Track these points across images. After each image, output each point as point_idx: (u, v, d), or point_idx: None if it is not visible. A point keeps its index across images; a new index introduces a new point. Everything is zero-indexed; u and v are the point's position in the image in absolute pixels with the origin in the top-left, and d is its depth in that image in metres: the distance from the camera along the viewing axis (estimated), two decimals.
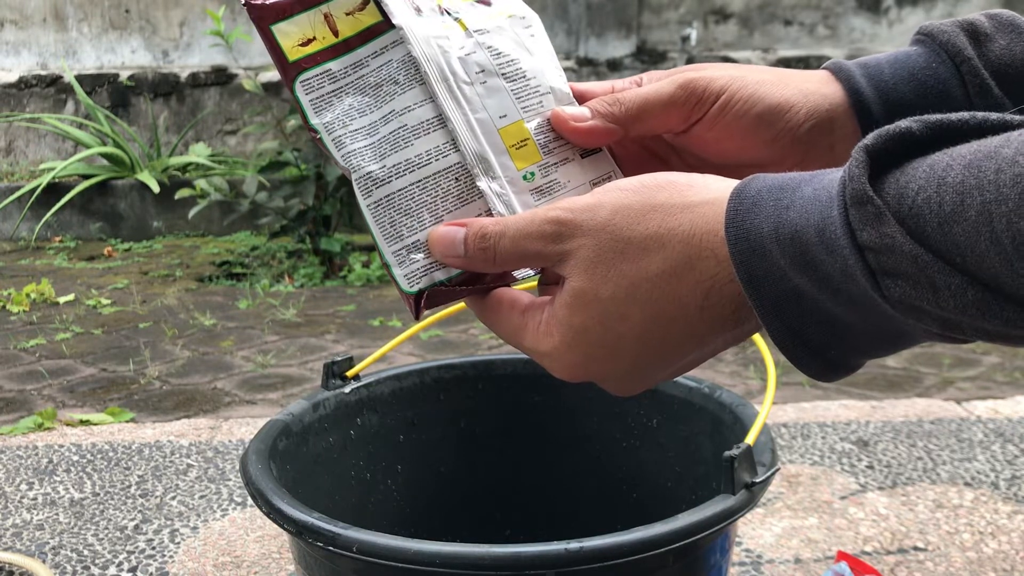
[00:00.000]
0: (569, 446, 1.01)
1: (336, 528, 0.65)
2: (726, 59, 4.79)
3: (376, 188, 0.50)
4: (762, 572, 1.32)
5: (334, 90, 0.50)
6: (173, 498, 1.58)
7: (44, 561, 1.37)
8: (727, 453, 0.68)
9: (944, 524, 1.43)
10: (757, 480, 0.69)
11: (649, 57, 4.81)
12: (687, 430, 0.93)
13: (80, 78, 4.72)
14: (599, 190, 0.45)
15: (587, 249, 0.43)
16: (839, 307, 0.39)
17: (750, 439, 0.71)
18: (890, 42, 4.84)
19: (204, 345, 2.66)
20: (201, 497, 1.58)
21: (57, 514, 1.53)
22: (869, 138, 0.36)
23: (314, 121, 0.51)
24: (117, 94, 4.83)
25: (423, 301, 0.50)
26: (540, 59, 0.54)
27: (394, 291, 3.25)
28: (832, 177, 0.38)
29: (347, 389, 0.92)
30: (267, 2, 0.50)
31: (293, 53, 0.50)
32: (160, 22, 4.92)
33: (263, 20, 0.50)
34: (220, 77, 4.80)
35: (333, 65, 0.50)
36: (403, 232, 0.50)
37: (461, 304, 0.97)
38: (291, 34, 0.50)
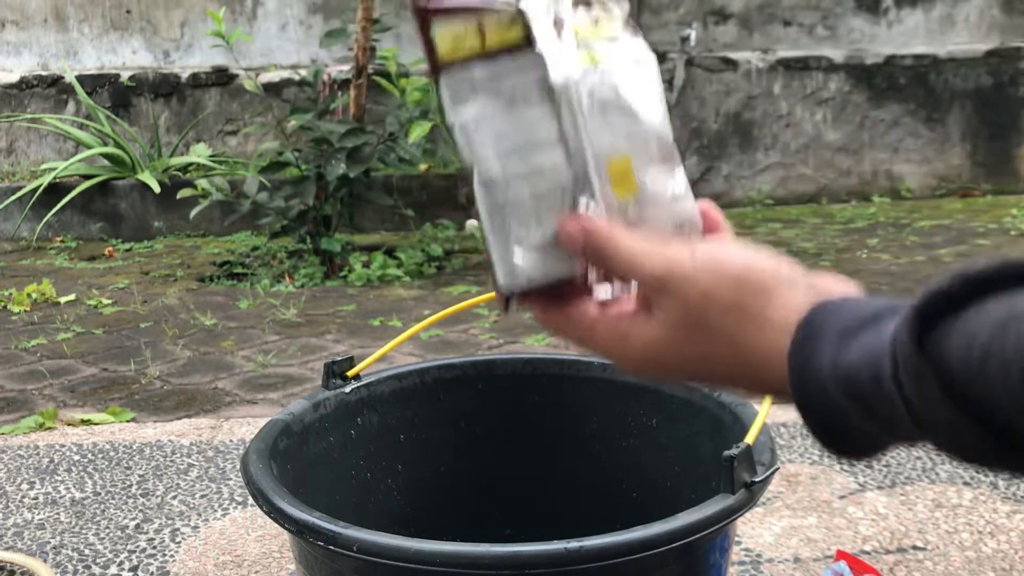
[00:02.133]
0: (569, 446, 1.01)
1: (336, 527, 0.65)
2: (726, 60, 4.79)
3: (496, 190, 0.55)
4: (761, 571, 1.32)
5: (470, 93, 0.55)
6: (174, 497, 1.58)
7: (45, 560, 1.38)
8: (727, 453, 0.69)
9: (943, 523, 1.43)
10: (756, 479, 0.69)
11: None
12: (687, 430, 0.93)
13: (81, 78, 4.72)
14: (701, 258, 0.51)
15: (675, 314, 0.51)
16: (882, 433, 0.46)
17: (749, 439, 0.72)
18: (889, 42, 4.84)
19: (205, 345, 2.66)
20: (202, 496, 1.58)
21: (58, 513, 1.54)
22: (919, 299, 0.42)
23: (452, 119, 0.56)
24: (118, 94, 4.83)
25: (512, 301, 0.56)
26: (652, 104, 0.59)
27: (394, 291, 3.25)
28: (891, 326, 0.44)
29: (347, 389, 0.93)
30: (432, 5, 0.55)
31: (445, 53, 0.55)
32: (161, 22, 4.92)
33: (425, 14, 0.55)
34: (221, 77, 4.80)
35: (476, 71, 0.55)
36: (511, 235, 0.55)
37: (461, 304, 0.97)
38: (446, 36, 0.55)
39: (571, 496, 1.02)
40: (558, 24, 0.57)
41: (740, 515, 0.69)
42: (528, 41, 0.56)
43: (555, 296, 0.56)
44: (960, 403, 0.41)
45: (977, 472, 1.60)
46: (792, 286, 0.51)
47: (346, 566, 0.68)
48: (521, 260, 0.55)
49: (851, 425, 0.46)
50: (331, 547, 0.65)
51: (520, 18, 0.56)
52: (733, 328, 0.50)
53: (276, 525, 0.70)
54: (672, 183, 0.59)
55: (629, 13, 0.62)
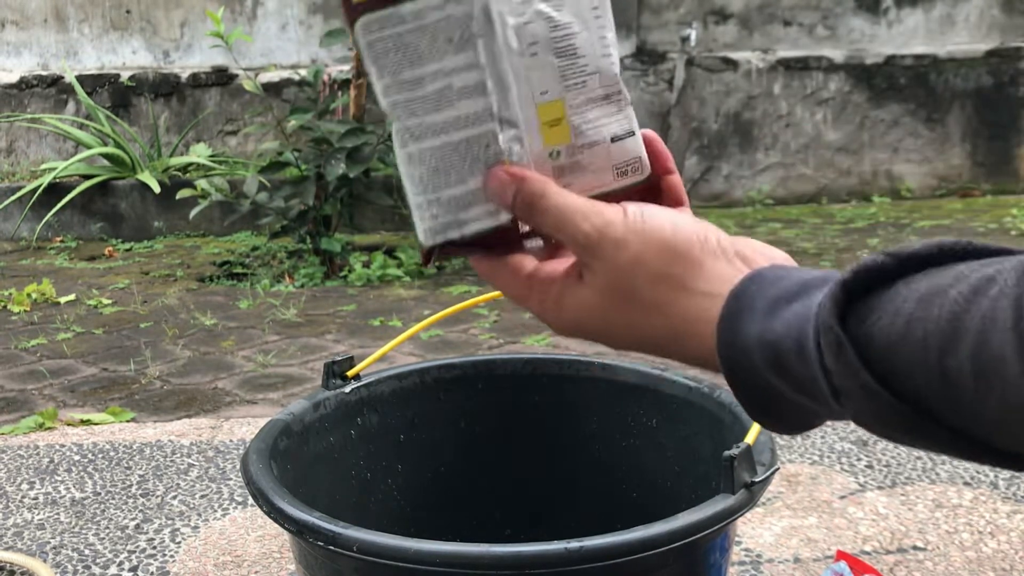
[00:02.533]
0: (569, 446, 1.01)
1: (336, 527, 0.65)
2: (726, 60, 4.79)
3: (412, 142, 0.53)
4: (762, 571, 1.32)
5: (392, 35, 0.51)
6: (174, 497, 1.58)
7: (45, 560, 1.38)
8: (727, 453, 0.69)
9: (943, 523, 1.43)
10: (756, 479, 0.69)
11: (649, 58, 4.82)
12: (687, 430, 0.93)
13: (81, 78, 4.72)
14: (631, 220, 0.50)
15: (605, 277, 0.50)
16: (807, 402, 0.46)
17: (749, 439, 0.72)
18: (890, 42, 4.84)
19: (205, 345, 2.66)
20: (202, 496, 1.58)
21: (58, 514, 1.54)
22: (848, 272, 0.43)
23: (369, 66, 0.53)
24: (118, 94, 4.83)
25: (435, 255, 0.54)
26: (596, 33, 0.55)
27: (394, 291, 3.25)
28: (818, 296, 0.44)
29: (347, 389, 0.93)
30: None
31: None
32: (161, 23, 4.92)
33: None
34: (221, 77, 4.80)
35: (394, 10, 0.51)
36: (429, 186, 0.53)
37: (461, 305, 0.97)
38: None
39: (571, 496, 1.02)
40: None
41: (740, 515, 0.69)
42: None
43: (487, 246, 0.54)
44: (877, 373, 0.41)
45: (978, 472, 1.60)
46: (721, 256, 0.50)
47: (346, 566, 0.68)
48: (441, 214, 0.53)
49: (778, 396, 0.46)
50: (331, 547, 0.65)
51: None
52: (662, 297, 0.50)
53: (276, 525, 0.70)
54: (614, 123, 0.55)
55: None
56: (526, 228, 0.53)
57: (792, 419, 0.48)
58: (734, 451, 0.69)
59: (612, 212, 0.51)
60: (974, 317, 0.38)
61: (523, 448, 1.01)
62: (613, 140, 0.55)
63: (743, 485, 0.69)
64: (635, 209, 0.51)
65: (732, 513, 0.68)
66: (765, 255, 0.50)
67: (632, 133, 0.56)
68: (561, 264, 0.54)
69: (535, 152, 0.53)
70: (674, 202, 0.57)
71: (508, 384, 1.01)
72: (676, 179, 0.58)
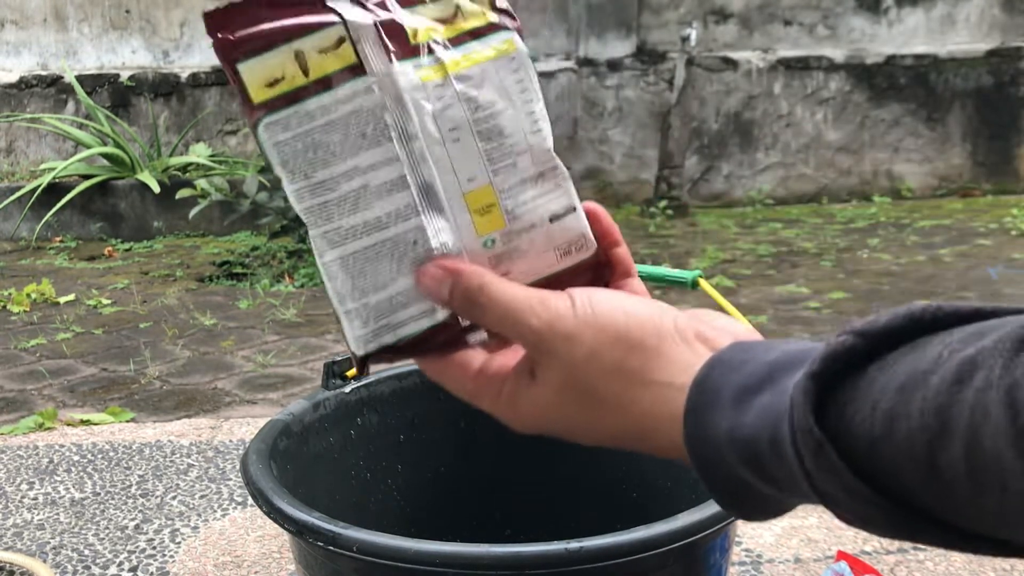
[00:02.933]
0: (569, 446, 1.01)
1: (336, 528, 0.65)
2: (726, 59, 4.79)
3: (331, 249, 0.49)
4: (762, 572, 1.32)
5: (299, 134, 0.48)
6: (174, 498, 1.58)
7: (45, 561, 1.38)
8: None
9: None
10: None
11: (649, 57, 4.81)
12: None
13: (80, 78, 4.72)
14: (580, 313, 0.47)
15: (560, 374, 0.47)
16: (783, 496, 0.44)
17: None
18: (890, 42, 4.84)
19: (204, 345, 2.66)
20: (202, 497, 1.58)
21: (58, 514, 1.53)
22: (816, 361, 0.40)
23: (278, 170, 0.49)
24: (117, 94, 4.83)
25: (369, 363, 0.50)
26: (523, 109, 0.52)
27: None
28: (788, 385, 0.41)
29: (347, 389, 0.93)
30: (233, 37, 0.47)
31: (259, 94, 0.48)
32: (160, 22, 4.92)
33: (229, 57, 0.47)
34: (220, 77, 4.80)
35: (299, 107, 0.48)
36: (356, 292, 0.49)
37: None
38: (258, 73, 0.48)
39: (571, 497, 1.02)
40: (391, 32, 0.49)
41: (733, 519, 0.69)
42: (359, 62, 0.48)
43: (427, 346, 0.50)
44: (861, 473, 0.38)
45: None
46: (680, 342, 0.47)
47: (346, 566, 0.68)
48: (372, 320, 0.49)
49: (754, 491, 0.44)
50: (331, 547, 0.64)
51: (347, 35, 0.48)
52: (621, 393, 0.46)
53: (276, 525, 0.70)
54: (552, 201, 0.52)
55: (491, 6, 0.52)
56: (467, 322, 0.50)
57: (769, 509, 0.46)
58: None
59: (559, 303, 0.47)
60: (962, 411, 0.36)
61: (523, 449, 1.01)
62: (552, 219, 0.52)
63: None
64: (583, 298, 0.47)
65: (727, 516, 0.67)
66: (727, 332, 0.47)
67: (573, 209, 0.52)
68: (510, 357, 0.50)
69: (468, 243, 0.50)
70: (623, 275, 0.54)
71: None
72: (624, 252, 0.54)
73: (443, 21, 0.51)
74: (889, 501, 0.38)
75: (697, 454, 0.44)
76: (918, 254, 3.61)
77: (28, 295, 3.21)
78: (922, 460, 0.37)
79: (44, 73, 4.90)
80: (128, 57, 4.93)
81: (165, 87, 4.83)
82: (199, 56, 4.85)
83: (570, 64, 4.80)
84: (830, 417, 0.39)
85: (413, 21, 0.50)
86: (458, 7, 0.51)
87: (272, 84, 0.48)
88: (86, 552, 1.40)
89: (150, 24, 4.91)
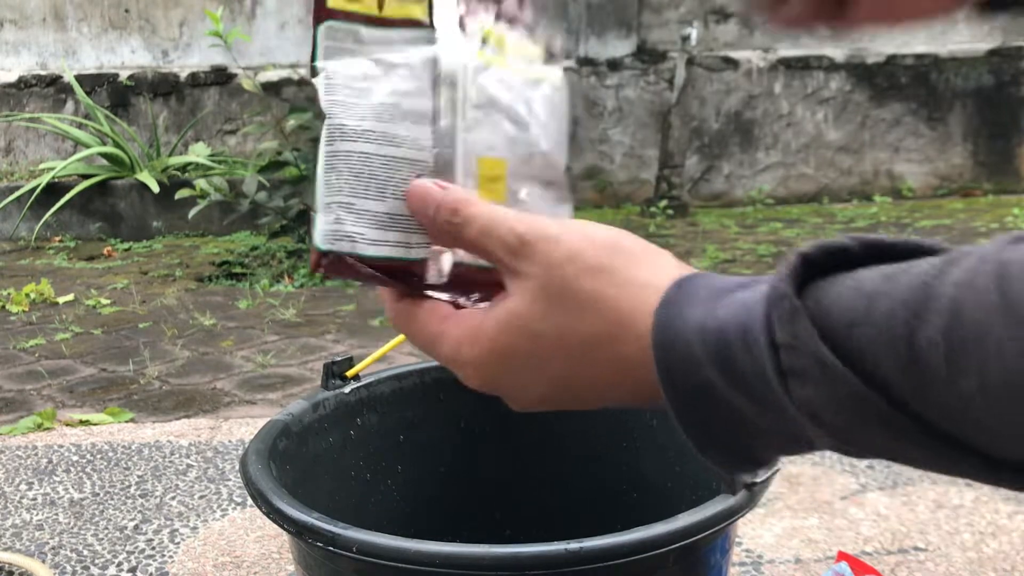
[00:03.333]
0: (569, 446, 1.01)
1: (336, 528, 0.64)
2: (727, 59, 4.79)
3: (342, 141, 0.50)
4: (762, 572, 1.31)
5: (352, 49, 0.50)
6: (173, 498, 1.58)
7: (44, 561, 1.37)
8: None
9: (944, 524, 1.43)
10: (757, 480, 0.69)
11: (649, 57, 4.81)
12: None
13: (80, 78, 4.71)
14: (566, 224, 0.46)
15: (535, 280, 0.45)
16: (748, 405, 0.40)
17: None
18: (890, 42, 4.84)
19: (204, 345, 2.66)
20: (201, 497, 1.58)
21: (57, 514, 1.53)
22: (809, 246, 0.38)
23: (319, 62, 0.50)
24: (117, 94, 4.83)
25: (326, 262, 0.49)
26: (551, 126, 0.55)
27: None
28: (766, 287, 0.39)
29: (347, 389, 0.92)
30: None
31: (334, 1, 0.50)
32: (160, 22, 4.91)
33: None
34: (220, 77, 4.80)
35: (363, 30, 0.50)
36: (345, 189, 0.50)
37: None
38: None
39: (570, 496, 1.02)
40: (468, 15, 0.53)
41: (741, 516, 0.68)
42: (429, 18, 0.51)
43: (387, 280, 0.50)
44: (837, 349, 0.35)
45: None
46: (665, 256, 0.46)
47: (346, 567, 0.67)
48: (349, 222, 0.49)
49: (717, 397, 0.40)
50: (331, 548, 0.64)
51: None
52: (599, 290, 0.44)
53: (275, 526, 0.70)
54: (550, 208, 0.54)
55: (555, 49, 0.58)
56: (433, 280, 0.50)
57: (725, 433, 0.41)
58: None
59: (544, 218, 0.47)
60: (946, 286, 0.34)
61: (522, 448, 1.01)
62: (550, 210, 0.53)
63: (743, 486, 0.68)
64: (576, 220, 0.47)
65: (733, 514, 0.67)
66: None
67: (569, 201, 0.54)
68: (480, 310, 0.49)
69: None
70: None
71: None
72: None
73: (511, 39, 0.55)
74: (863, 382, 0.35)
75: (663, 348, 0.41)
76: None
77: (27, 295, 3.21)
78: (901, 340, 0.34)
79: (43, 73, 4.90)
80: (127, 57, 4.93)
81: (164, 87, 4.83)
82: (198, 56, 4.85)
83: (570, 63, 4.80)
84: (810, 297, 0.37)
85: (488, 25, 0.54)
86: (525, 39, 0.56)
87: (349, 1, 0.50)
88: (85, 552, 1.40)
89: (149, 24, 4.91)
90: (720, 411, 0.40)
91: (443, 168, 0.50)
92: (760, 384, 0.38)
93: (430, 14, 0.51)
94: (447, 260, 0.50)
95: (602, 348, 0.44)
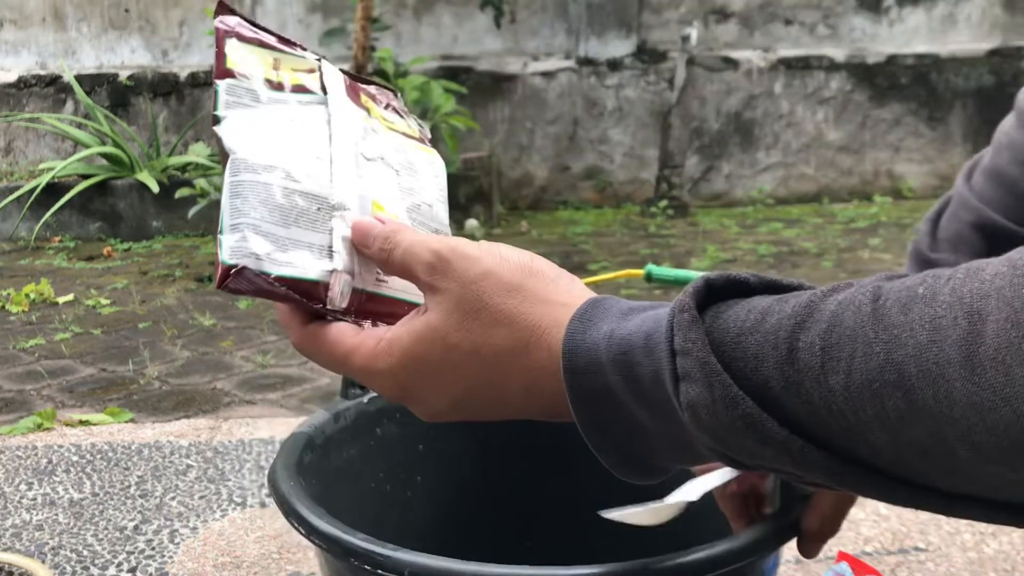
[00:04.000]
0: (584, 455, 1.00)
1: (385, 550, 0.62)
2: (727, 59, 4.79)
3: (245, 171, 0.53)
4: None
5: (251, 104, 0.55)
6: (172, 498, 1.58)
7: (43, 561, 1.37)
8: None
9: (945, 524, 1.43)
10: (806, 493, 0.69)
11: (649, 57, 4.81)
12: None
13: (79, 78, 4.71)
14: (485, 245, 0.50)
15: (452, 294, 0.48)
16: (641, 411, 0.43)
17: None
18: (890, 42, 4.84)
19: (203, 345, 2.66)
20: (200, 497, 1.58)
21: (56, 514, 1.53)
22: (714, 273, 0.43)
23: (221, 111, 0.54)
24: (116, 94, 4.83)
25: (233, 274, 0.51)
26: (435, 188, 0.61)
27: None
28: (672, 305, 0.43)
29: (365, 399, 0.91)
30: (234, 28, 0.56)
31: (232, 63, 0.55)
32: (160, 22, 4.91)
33: (222, 34, 0.56)
34: None
35: (261, 91, 0.55)
36: (250, 213, 0.52)
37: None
38: (240, 52, 0.56)
39: (594, 506, 1.01)
40: (351, 91, 0.59)
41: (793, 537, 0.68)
42: (321, 89, 0.57)
43: (293, 298, 0.52)
44: (723, 358, 0.39)
45: None
46: (576, 282, 0.49)
47: None
48: (257, 242, 0.52)
49: (615, 401, 0.43)
50: (379, 572, 0.62)
51: (319, 69, 0.58)
52: (512, 307, 0.47)
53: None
54: None
55: (427, 138, 0.65)
56: (334, 305, 0.53)
57: (621, 437, 0.44)
58: None
59: (465, 240, 0.50)
60: (830, 303, 0.38)
61: (543, 456, 1.00)
62: None
63: (796, 499, 0.68)
64: (490, 242, 0.50)
65: (789, 530, 0.67)
66: None
67: None
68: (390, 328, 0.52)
69: None
70: None
71: None
72: None
73: (386, 119, 0.62)
74: (739, 384, 0.39)
75: (570, 355, 0.44)
76: None
77: (27, 295, 3.21)
78: (783, 344, 0.38)
79: (43, 72, 4.90)
80: (127, 56, 4.93)
81: (164, 86, 4.83)
82: (198, 55, 4.85)
83: (570, 63, 4.80)
84: (709, 314, 0.41)
85: (369, 102, 0.61)
86: (406, 123, 0.63)
87: (246, 64, 0.56)
88: (85, 553, 1.40)
89: (149, 23, 4.91)
90: (618, 416, 0.44)
91: (340, 204, 0.54)
92: (655, 387, 0.42)
93: (321, 84, 0.57)
94: (346, 285, 0.53)
95: (515, 359, 0.47)
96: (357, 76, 0.62)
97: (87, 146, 4.46)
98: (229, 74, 0.55)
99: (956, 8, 4.84)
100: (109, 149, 4.41)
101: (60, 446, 1.82)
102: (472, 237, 3.33)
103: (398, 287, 0.55)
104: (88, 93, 4.69)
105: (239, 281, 0.51)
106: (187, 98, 4.84)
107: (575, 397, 0.44)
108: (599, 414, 0.44)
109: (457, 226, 4.11)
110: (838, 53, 4.81)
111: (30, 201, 4.22)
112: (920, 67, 4.81)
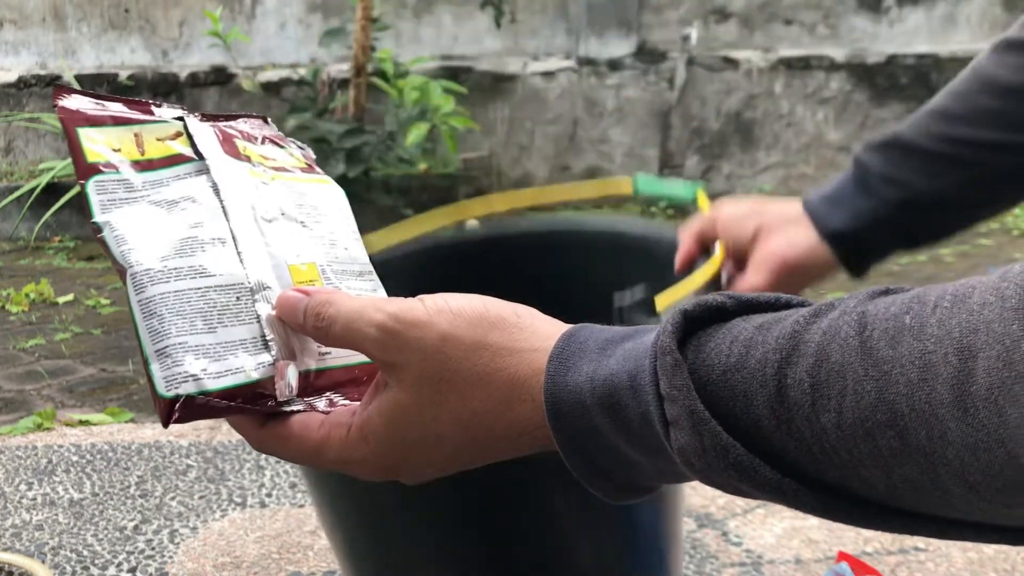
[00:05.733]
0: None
1: None
2: (727, 59, 4.79)
3: (152, 285, 0.48)
4: (762, 572, 1.31)
5: (127, 198, 0.50)
6: (172, 498, 1.58)
7: (43, 561, 1.37)
8: None
9: None
10: None
11: (649, 57, 4.81)
12: None
13: (79, 78, 4.71)
14: (431, 304, 0.46)
15: (415, 367, 0.45)
16: (632, 450, 0.42)
17: None
18: (891, 42, 4.84)
19: None
20: (200, 497, 1.58)
21: (56, 514, 1.53)
22: (688, 303, 0.41)
23: (99, 218, 0.50)
24: (116, 93, 4.82)
25: (178, 408, 0.47)
26: (345, 223, 0.58)
27: None
28: (651, 337, 0.42)
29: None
30: (78, 110, 0.52)
31: (93, 156, 0.51)
32: (159, 22, 4.91)
33: (70, 123, 0.51)
34: (219, 77, 4.80)
35: (132, 177, 0.51)
36: (171, 331, 0.48)
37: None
38: (96, 140, 0.51)
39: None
40: (226, 139, 0.55)
41: None
42: (193, 150, 0.53)
43: (244, 407, 0.49)
44: (710, 399, 0.39)
45: None
46: (539, 316, 0.47)
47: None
48: (188, 361, 0.47)
49: (603, 442, 0.42)
50: None
51: (186, 131, 0.53)
52: (483, 367, 0.44)
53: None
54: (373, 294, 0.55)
55: (311, 159, 0.61)
56: (284, 396, 0.49)
57: (610, 468, 0.43)
58: None
59: (406, 300, 0.46)
60: (815, 334, 0.37)
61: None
62: None
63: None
64: (434, 296, 0.46)
65: None
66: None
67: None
68: (348, 411, 0.48)
69: None
70: None
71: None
72: None
73: (269, 158, 0.58)
74: (728, 428, 0.38)
75: (553, 400, 0.42)
76: (919, 254, 3.61)
77: (27, 295, 3.21)
78: (771, 381, 0.37)
79: (43, 72, 4.90)
80: (127, 56, 4.93)
81: (164, 86, 4.83)
82: (198, 56, 4.85)
83: (570, 63, 4.80)
84: (691, 349, 0.40)
85: (248, 147, 0.56)
86: (289, 154, 0.59)
87: (108, 151, 0.51)
88: (85, 553, 1.40)
89: (149, 23, 4.91)
90: (606, 452, 0.43)
91: (258, 285, 0.50)
92: (645, 429, 0.41)
93: (193, 147, 0.53)
94: (292, 372, 0.50)
95: (498, 417, 0.45)
96: (221, 115, 0.58)
97: None
98: (93, 169, 0.51)
99: (956, 8, 4.84)
100: None
101: (60, 446, 1.82)
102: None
103: (343, 354, 0.51)
104: None
105: (187, 411, 0.47)
106: (187, 98, 4.84)
107: (563, 441, 0.43)
108: (589, 453, 0.43)
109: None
110: (838, 53, 4.81)
111: (30, 201, 4.22)
112: (920, 67, 4.81)
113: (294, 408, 0.50)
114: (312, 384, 0.51)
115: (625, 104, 4.82)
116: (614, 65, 4.78)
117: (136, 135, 0.52)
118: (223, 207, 0.51)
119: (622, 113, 4.83)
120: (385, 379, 0.46)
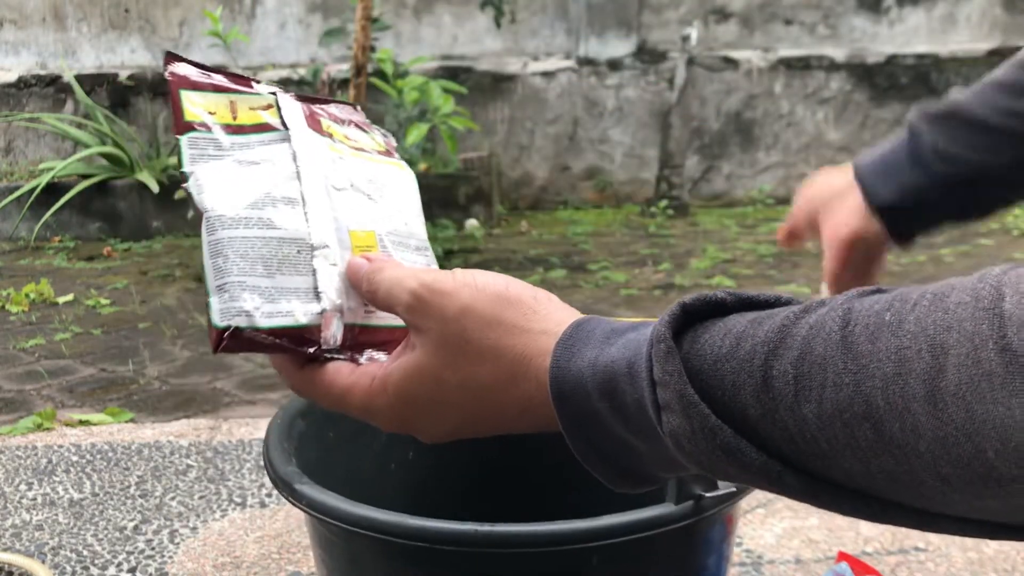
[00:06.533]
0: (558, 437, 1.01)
1: (351, 507, 0.65)
2: (727, 59, 4.79)
3: (222, 229, 0.54)
4: (762, 572, 1.31)
5: (215, 155, 0.56)
6: (172, 498, 1.58)
7: (43, 561, 1.37)
8: None
9: None
10: (708, 494, 0.64)
11: (649, 57, 4.81)
12: None
13: (79, 78, 4.71)
14: (460, 277, 0.50)
15: (435, 334, 0.49)
16: (630, 435, 0.44)
17: None
18: (890, 42, 4.83)
19: (203, 345, 2.66)
20: (200, 497, 1.58)
21: (56, 514, 1.53)
22: (689, 297, 0.43)
23: (187, 168, 0.55)
24: (116, 94, 4.82)
25: (227, 337, 0.52)
26: (412, 200, 0.63)
27: None
28: (652, 328, 0.44)
29: None
30: (185, 76, 0.57)
31: (190, 115, 0.56)
32: (159, 22, 4.91)
33: (175, 86, 0.57)
34: None
35: (223, 138, 0.56)
36: (233, 270, 0.53)
37: None
38: (196, 103, 0.57)
39: (577, 480, 1.01)
40: (312, 118, 0.61)
41: (676, 527, 0.64)
42: (281, 122, 0.58)
43: (289, 347, 0.54)
44: (701, 386, 0.40)
45: None
46: (556, 301, 0.50)
47: (361, 545, 0.67)
48: (246, 298, 0.53)
49: (603, 425, 0.45)
50: (349, 527, 0.65)
51: (276, 104, 0.59)
52: (495, 341, 0.48)
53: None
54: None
55: (392, 147, 0.66)
56: (329, 344, 0.54)
57: (611, 453, 0.46)
58: None
59: (440, 273, 0.51)
60: (802, 328, 0.39)
61: (516, 438, 1.01)
62: None
63: (690, 497, 0.64)
64: (466, 270, 0.51)
65: (664, 524, 0.63)
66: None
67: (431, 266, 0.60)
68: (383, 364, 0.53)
69: (342, 270, 0.56)
70: None
71: None
72: None
73: (350, 139, 0.63)
74: (716, 412, 0.40)
75: (557, 383, 0.45)
76: (919, 254, 3.61)
77: (27, 295, 3.21)
78: (758, 372, 0.39)
79: (43, 72, 4.90)
80: (127, 56, 4.93)
81: (164, 86, 4.81)
82: (198, 56, 4.84)
83: (570, 63, 4.80)
84: (687, 339, 0.42)
85: (331, 126, 0.62)
86: (371, 138, 0.65)
87: (204, 113, 0.57)
88: (85, 553, 1.40)
89: (149, 23, 4.91)
90: (609, 437, 0.45)
91: (320, 243, 0.55)
92: (639, 415, 0.43)
93: (281, 119, 0.59)
94: (337, 324, 0.55)
95: (505, 391, 0.48)
96: (315, 98, 0.64)
97: (87, 146, 4.46)
98: (189, 127, 0.56)
99: (956, 8, 4.84)
100: (109, 149, 4.40)
101: (60, 446, 1.82)
102: (472, 237, 3.33)
103: (388, 316, 0.56)
104: (88, 93, 4.69)
105: (235, 342, 0.53)
106: None
107: (566, 422, 0.46)
108: (591, 436, 0.46)
109: (457, 226, 4.11)
110: (838, 53, 4.81)
111: (30, 201, 4.22)
112: (920, 67, 4.81)
113: (336, 357, 0.54)
114: (356, 339, 0.56)
115: (625, 104, 4.82)
116: (614, 65, 4.78)
117: (232, 102, 0.58)
118: (298, 172, 0.56)
119: (622, 113, 4.83)
120: (413, 341, 0.51)
